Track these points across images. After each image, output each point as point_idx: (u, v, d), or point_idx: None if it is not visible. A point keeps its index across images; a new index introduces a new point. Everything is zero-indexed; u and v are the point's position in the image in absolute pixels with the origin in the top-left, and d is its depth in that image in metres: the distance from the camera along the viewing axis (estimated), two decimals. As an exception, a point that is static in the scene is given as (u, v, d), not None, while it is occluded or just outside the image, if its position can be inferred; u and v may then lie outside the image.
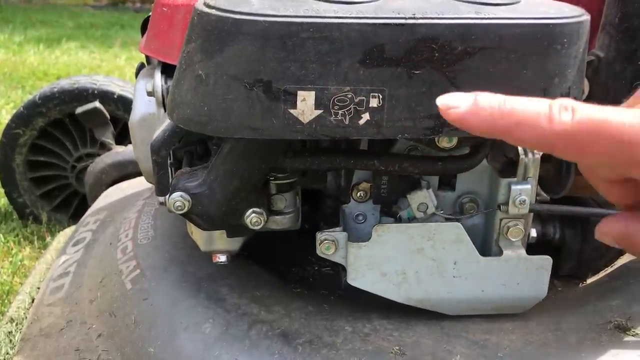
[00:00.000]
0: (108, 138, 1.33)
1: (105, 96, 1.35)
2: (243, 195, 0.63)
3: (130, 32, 4.81)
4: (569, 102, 0.37)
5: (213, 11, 0.51)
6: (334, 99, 0.52)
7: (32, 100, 1.37)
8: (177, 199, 0.61)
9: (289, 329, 0.69)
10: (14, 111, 2.52)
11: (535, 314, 0.71)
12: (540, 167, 0.68)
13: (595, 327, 0.68)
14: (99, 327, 0.79)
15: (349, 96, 0.52)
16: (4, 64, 3.35)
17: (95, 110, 1.30)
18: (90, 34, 4.58)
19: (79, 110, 1.30)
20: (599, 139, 0.36)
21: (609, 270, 0.80)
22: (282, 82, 0.51)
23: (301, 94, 0.51)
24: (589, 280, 0.80)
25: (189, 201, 0.62)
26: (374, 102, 0.52)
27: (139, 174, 1.30)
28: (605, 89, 0.64)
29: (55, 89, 1.36)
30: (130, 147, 1.33)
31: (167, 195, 0.65)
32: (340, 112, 0.52)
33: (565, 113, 0.36)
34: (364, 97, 0.52)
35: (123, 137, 1.43)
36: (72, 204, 1.48)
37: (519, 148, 0.69)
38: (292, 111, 0.52)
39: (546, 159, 0.70)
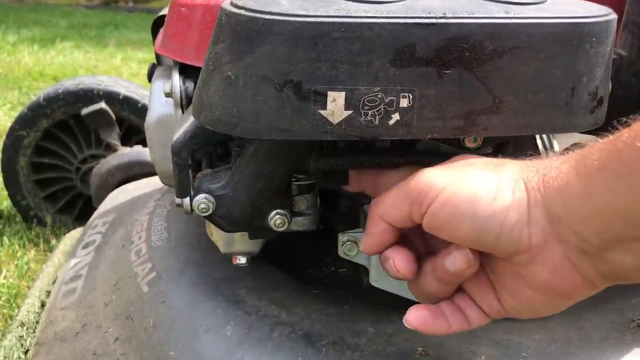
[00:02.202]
0: (114, 139, 1.32)
1: (110, 97, 1.34)
2: (267, 196, 0.62)
3: (124, 31, 4.79)
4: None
5: (242, 11, 0.50)
6: (364, 100, 0.51)
7: (37, 102, 1.36)
8: (202, 201, 0.61)
9: (311, 330, 0.68)
10: (11, 112, 2.51)
11: (556, 313, 0.71)
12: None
13: (617, 326, 0.68)
14: (116, 331, 0.78)
15: (379, 96, 0.51)
16: (-2, 64, 3.33)
17: (101, 111, 1.29)
18: (84, 34, 4.55)
19: (85, 111, 1.29)
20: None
21: (626, 268, 0.80)
22: (312, 82, 0.50)
23: (331, 95, 0.51)
24: (607, 279, 0.80)
25: (213, 203, 0.61)
26: (404, 102, 0.52)
27: (145, 175, 1.29)
28: (628, 87, 0.64)
29: (60, 90, 1.34)
30: (136, 148, 1.32)
31: (190, 197, 0.64)
32: (370, 112, 0.52)
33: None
34: (394, 97, 0.52)
35: (128, 138, 1.42)
36: (76, 206, 1.47)
37: (539, 146, 0.69)
38: (322, 112, 0.51)
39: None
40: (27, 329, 0.94)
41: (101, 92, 1.33)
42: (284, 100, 0.51)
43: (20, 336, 0.93)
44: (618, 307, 0.71)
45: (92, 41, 4.26)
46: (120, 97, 1.34)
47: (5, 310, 1.13)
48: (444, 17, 0.50)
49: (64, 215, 1.46)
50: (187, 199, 0.67)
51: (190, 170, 0.68)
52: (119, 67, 3.37)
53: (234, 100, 0.51)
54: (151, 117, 0.76)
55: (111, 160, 1.27)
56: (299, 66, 0.50)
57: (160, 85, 0.75)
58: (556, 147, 0.68)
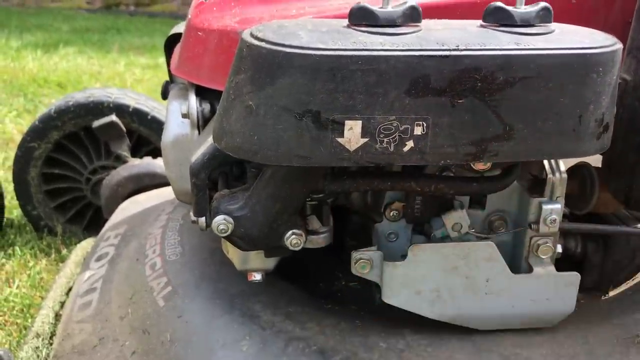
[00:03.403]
0: (124, 151, 1.34)
1: (120, 109, 1.36)
2: (284, 217, 0.64)
3: (126, 36, 4.80)
4: None
5: (263, 44, 0.52)
6: (379, 128, 0.53)
7: (47, 114, 1.37)
8: (221, 222, 0.63)
9: (325, 346, 0.70)
10: (17, 119, 2.52)
11: (562, 327, 0.73)
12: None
13: (622, 341, 0.70)
14: (133, 345, 0.80)
15: (395, 125, 0.54)
16: (3, 70, 3.34)
17: (112, 123, 1.31)
18: (87, 39, 4.57)
19: (96, 124, 1.31)
20: None
21: (630, 283, 0.82)
22: (330, 112, 0.52)
23: (348, 124, 0.53)
24: (611, 293, 0.82)
25: (232, 224, 0.63)
26: (418, 130, 0.54)
27: (155, 187, 1.31)
28: (632, 111, 0.66)
29: (70, 103, 1.36)
30: (146, 159, 1.34)
31: (206, 217, 0.66)
32: (385, 140, 0.54)
33: None
34: (408, 126, 0.54)
35: (137, 149, 1.44)
36: (86, 216, 1.48)
37: (546, 167, 0.71)
38: (339, 140, 0.54)
39: (570, 176, 0.72)
40: (43, 340, 0.96)
41: (111, 105, 1.35)
42: (303, 129, 0.53)
43: (36, 347, 0.95)
44: (623, 323, 0.73)
45: (95, 46, 4.28)
46: (130, 109, 1.36)
47: (19, 321, 1.14)
48: (457, 50, 0.52)
49: (74, 225, 1.48)
50: (204, 218, 0.69)
51: (207, 190, 0.71)
52: (122, 73, 3.38)
53: (255, 128, 0.53)
54: (168, 137, 0.78)
55: (121, 172, 1.29)
56: (318, 97, 0.52)
57: (176, 105, 0.77)
58: (562, 168, 0.70)
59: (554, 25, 0.58)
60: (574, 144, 0.57)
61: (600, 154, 0.74)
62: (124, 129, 1.34)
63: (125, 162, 1.33)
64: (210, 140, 0.65)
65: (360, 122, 0.53)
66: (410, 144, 0.54)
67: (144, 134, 1.42)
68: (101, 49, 4.21)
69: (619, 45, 0.56)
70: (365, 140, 0.54)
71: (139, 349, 0.79)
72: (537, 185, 0.71)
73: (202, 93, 0.75)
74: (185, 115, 0.74)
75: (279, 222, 0.64)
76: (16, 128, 2.38)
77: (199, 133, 0.74)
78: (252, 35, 0.54)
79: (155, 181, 1.29)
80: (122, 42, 4.55)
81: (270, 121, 0.53)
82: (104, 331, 0.85)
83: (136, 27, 5.25)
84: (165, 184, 1.25)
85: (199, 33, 0.73)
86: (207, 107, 0.74)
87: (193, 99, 0.73)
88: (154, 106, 1.42)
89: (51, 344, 0.94)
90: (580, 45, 0.54)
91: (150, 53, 4.03)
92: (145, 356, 0.77)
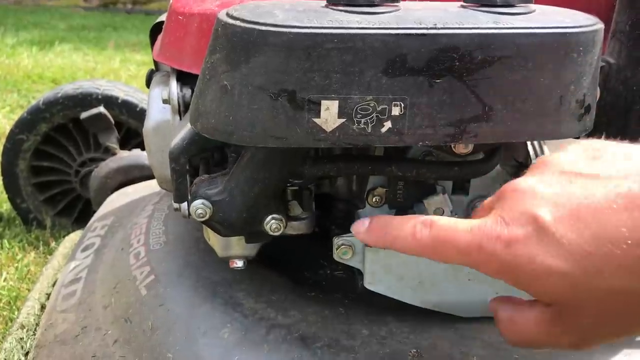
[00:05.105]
0: (112, 143, 1.33)
1: (109, 101, 1.36)
2: (263, 201, 0.63)
3: (123, 33, 4.80)
4: (429, 218, 0.46)
5: (238, 22, 0.51)
6: (356, 108, 0.53)
7: (36, 106, 1.37)
8: (199, 207, 0.62)
9: (306, 333, 0.70)
10: (10, 114, 2.52)
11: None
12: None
13: (607, 327, 0.69)
14: (115, 333, 0.79)
15: (372, 105, 0.53)
16: (-3, 67, 3.34)
17: (99, 115, 1.30)
18: (83, 36, 4.57)
19: (84, 115, 1.31)
20: (446, 248, 0.44)
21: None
22: (306, 91, 0.52)
23: (325, 104, 0.52)
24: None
25: (210, 208, 0.62)
26: (395, 111, 0.53)
27: (144, 179, 1.31)
28: (616, 95, 0.66)
29: (59, 94, 1.36)
30: (134, 151, 1.33)
31: (187, 203, 0.65)
32: (362, 120, 0.53)
33: (424, 229, 0.46)
34: (386, 106, 0.53)
35: (126, 141, 1.43)
36: (75, 209, 1.48)
37: (530, 152, 0.71)
38: (315, 120, 0.53)
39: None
40: (27, 331, 0.96)
41: (100, 96, 1.34)
42: (279, 109, 0.52)
43: (21, 338, 0.94)
44: (608, 309, 0.72)
45: (90, 43, 4.27)
46: (119, 100, 1.36)
47: (5, 313, 1.14)
48: (435, 28, 0.52)
49: (63, 218, 1.48)
50: (185, 204, 0.68)
51: (187, 176, 0.70)
52: (117, 70, 3.38)
53: (230, 108, 0.53)
54: (149, 123, 0.77)
55: (110, 164, 1.28)
56: (293, 76, 0.51)
57: (158, 91, 0.76)
58: (547, 152, 0.69)
59: (534, 6, 0.57)
60: (555, 125, 0.56)
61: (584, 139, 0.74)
62: (112, 120, 1.33)
63: (114, 154, 1.33)
64: (189, 125, 0.64)
65: (337, 102, 0.52)
66: (388, 124, 0.54)
67: (133, 126, 1.41)
68: (97, 46, 4.21)
69: (600, 25, 0.56)
70: (342, 120, 0.53)
71: (121, 338, 0.78)
72: (521, 170, 0.70)
73: (183, 78, 0.74)
74: (166, 101, 0.73)
75: (258, 207, 0.63)
76: (9, 123, 2.38)
77: (180, 118, 0.74)
78: (227, 14, 0.53)
79: (144, 173, 1.28)
80: (118, 39, 4.55)
81: (245, 101, 0.52)
82: (87, 320, 0.84)
83: (133, 24, 5.25)
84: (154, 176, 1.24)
85: (180, 17, 0.72)
86: (188, 92, 0.73)
87: (174, 84, 0.73)
88: (143, 98, 1.41)
89: (35, 335, 0.93)
90: (560, 24, 0.54)
91: (145, 50, 4.03)
92: (126, 344, 0.77)
